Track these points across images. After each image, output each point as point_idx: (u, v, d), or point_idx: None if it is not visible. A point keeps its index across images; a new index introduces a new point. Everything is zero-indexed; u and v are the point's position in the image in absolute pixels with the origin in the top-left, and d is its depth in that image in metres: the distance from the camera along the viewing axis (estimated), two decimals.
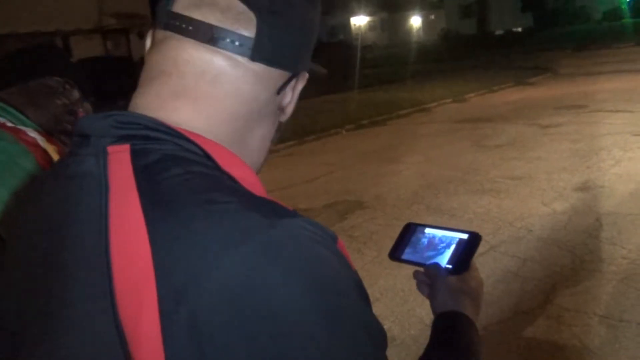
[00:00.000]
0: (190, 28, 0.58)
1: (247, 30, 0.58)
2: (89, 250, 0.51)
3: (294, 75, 0.63)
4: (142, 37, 20.47)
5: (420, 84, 14.86)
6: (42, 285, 0.54)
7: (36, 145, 1.15)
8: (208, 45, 0.58)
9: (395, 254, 0.93)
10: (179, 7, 0.59)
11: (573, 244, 3.86)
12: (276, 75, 0.61)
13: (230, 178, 0.55)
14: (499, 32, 33.57)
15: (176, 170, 0.52)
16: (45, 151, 1.14)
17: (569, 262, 3.61)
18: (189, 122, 0.57)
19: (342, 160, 7.30)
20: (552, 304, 3.15)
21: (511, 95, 11.69)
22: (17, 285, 0.58)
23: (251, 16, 0.57)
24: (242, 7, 0.57)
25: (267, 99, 0.62)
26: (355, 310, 0.51)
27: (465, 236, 0.88)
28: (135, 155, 0.53)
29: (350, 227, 4.64)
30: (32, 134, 1.20)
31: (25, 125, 1.24)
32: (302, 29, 0.62)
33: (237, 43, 0.58)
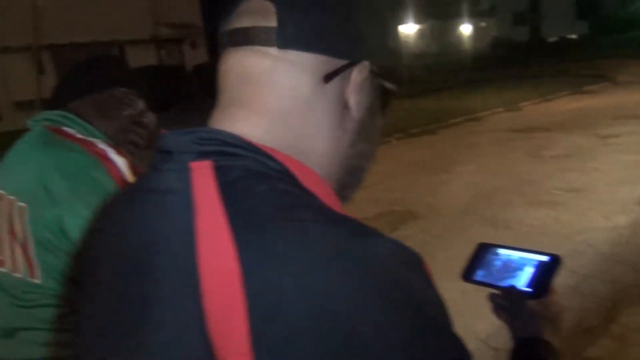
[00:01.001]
0: (230, 38, 0.61)
1: (273, 21, 0.58)
2: (177, 266, 0.51)
3: (349, 65, 0.60)
4: (194, 46, 20.98)
5: (471, 92, 14.63)
6: (130, 302, 0.54)
7: (106, 157, 1.16)
8: (244, 48, 0.60)
9: (469, 275, 0.90)
10: (226, 26, 0.62)
11: (636, 260, 3.70)
12: (315, 61, 0.59)
13: (311, 194, 0.55)
14: (552, 39, 32.77)
15: (260, 187, 0.52)
16: (115, 163, 1.15)
17: (632, 279, 3.46)
18: (246, 130, 0.58)
19: (393, 170, 7.24)
20: (616, 322, 3.02)
21: (567, 104, 11.36)
22: (103, 303, 0.58)
23: (272, 7, 0.59)
24: (266, 2, 0.59)
25: (312, 88, 0.59)
26: (442, 333, 0.50)
27: (545, 258, 0.84)
28: (217, 171, 0.53)
29: (402, 238, 4.55)
30: (102, 145, 1.21)
31: (95, 137, 1.26)
32: (336, 12, 0.60)
33: (263, 36, 0.59)
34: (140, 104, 1.39)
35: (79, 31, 15.82)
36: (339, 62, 0.60)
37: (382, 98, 0.67)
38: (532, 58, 23.18)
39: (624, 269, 3.62)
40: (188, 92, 19.00)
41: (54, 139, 1.21)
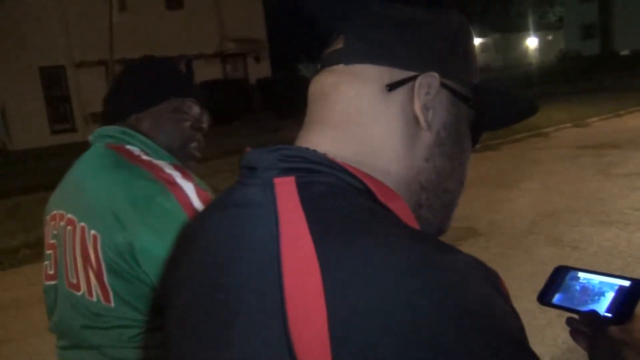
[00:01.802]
0: (319, 65, 0.66)
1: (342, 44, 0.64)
2: (261, 276, 0.53)
3: (414, 77, 0.61)
4: (258, 61, 21.45)
5: None
6: (215, 313, 0.56)
7: (174, 182, 1.14)
8: (322, 71, 0.66)
9: (546, 299, 0.87)
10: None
11: None
12: (378, 72, 0.62)
13: (389, 211, 0.56)
14: (624, 52, 31.52)
15: (341, 203, 0.54)
16: (182, 189, 1.14)
17: None
18: (324, 146, 0.61)
19: (464, 190, 7.12)
20: None
21: (639, 120, 10.87)
22: (189, 316, 0.61)
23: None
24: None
25: (376, 97, 0.62)
26: (521, 350, 0.50)
27: (627, 283, 0.81)
28: (300, 187, 0.55)
29: None
30: (169, 169, 1.18)
31: (158, 155, 1.25)
32: (399, 26, 0.63)
33: (335, 57, 0.64)
34: (196, 109, 1.36)
35: (150, 46, 16.49)
36: (404, 74, 0.62)
37: (469, 117, 0.67)
38: (602, 72, 22.35)
39: None
40: (251, 104, 19.42)
41: (121, 162, 1.19)
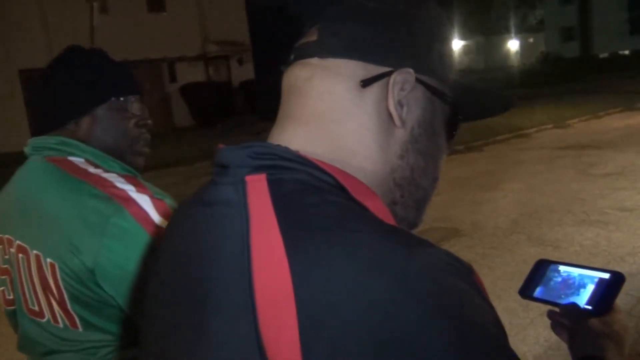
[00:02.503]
0: (289, 58, 0.64)
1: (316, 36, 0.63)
2: (231, 274, 0.52)
3: (388, 73, 0.61)
4: (241, 63, 21.38)
5: (518, 108, 14.36)
6: (187, 311, 0.56)
7: (128, 198, 1.05)
8: (294, 64, 0.64)
9: (527, 292, 0.88)
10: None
11: None
12: (352, 67, 0.61)
13: (362, 207, 0.56)
14: (603, 55, 31.93)
15: (312, 199, 0.53)
16: (138, 204, 1.05)
17: None
18: (296, 143, 0.60)
19: (437, 186, 7.16)
20: None
21: (619, 121, 11.03)
22: (163, 315, 0.61)
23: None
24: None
25: (350, 93, 0.61)
26: (496, 345, 0.49)
27: (606, 276, 0.82)
28: (271, 184, 0.55)
29: None
30: (121, 184, 1.08)
31: (106, 163, 1.16)
32: (374, 22, 0.61)
33: (308, 49, 0.63)
34: (136, 104, 1.24)
35: (132, 49, 16.36)
36: (379, 69, 0.61)
37: (444, 114, 0.66)
38: (582, 74, 22.63)
39: None
40: (234, 107, 19.34)
41: (67, 179, 1.09)
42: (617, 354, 0.75)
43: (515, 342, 3.07)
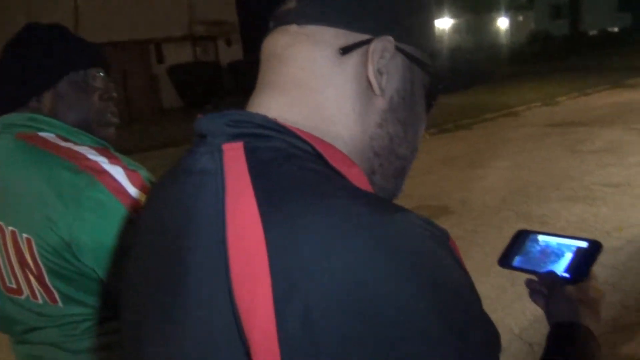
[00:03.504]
0: (269, 26, 0.63)
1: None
2: (207, 244, 0.52)
3: (368, 41, 0.60)
4: (229, 44, 21.18)
5: (507, 87, 14.39)
6: (164, 280, 0.56)
7: (101, 170, 1.04)
8: (273, 31, 0.63)
9: (506, 261, 0.89)
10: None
11: None
12: (331, 34, 0.60)
13: (339, 174, 0.56)
14: (592, 32, 31.91)
15: (288, 167, 0.53)
16: (111, 175, 1.04)
17: None
18: (275, 110, 0.59)
19: (427, 165, 7.19)
20: None
21: (607, 98, 11.08)
22: (143, 274, 0.61)
23: None
24: None
25: (329, 61, 0.60)
26: (469, 306, 0.50)
27: (584, 244, 0.83)
28: (248, 152, 0.55)
29: None
30: (93, 156, 1.07)
31: (76, 137, 1.14)
32: None
33: (287, 16, 0.62)
34: (99, 78, 1.22)
35: (117, 30, 16.14)
36: (359, 37, 0.60)
37: (424, 83, 0.66)
38: (571, 52, 22.66)
39: None
40: (223, 88, 19.20)
41: (39, 154, 1.08)
42: (591, 320, 0.76)
43: (503, 316, 3.11)
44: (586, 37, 29.32)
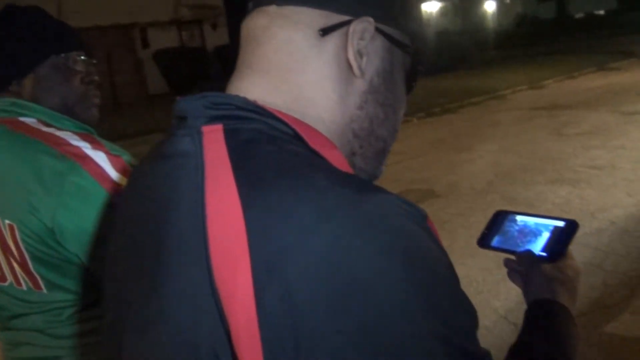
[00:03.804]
0: (248, 7, 0.62)
1: None
2: (187, 225, 0.52)
3: (348, 22, 0.60)
4: (215, 28, 20.96)
5: (494, 70, 14.43)
6: (145, 262, 0.57)
7: (84, 156, 1.04)
8: (253, 12, 0.63)
9: (485, 241, 0.91)
10: None
11: None
12: (311, 15, 0.60)
13: (319, 156, 0.56)
14: (579, 15, 31.95)
15: (268, 148, 0.53)
16: (94, 161, 1.04)
17: None
18: (254, 92, 0.59)
19: (413, 149, 7.21)
20: (638, 298, 3.00)
21: (592, 81, 11.14)
22: (124, 259, 0.61)
23: None
24: None
25: (308, 42, 0.60)
26: (447, 285, 0.50)
27: (561, 223, 0.85)
28: (228, 134, 0.55)
29: None
30: (75, 141, 1.06)
31: (58, 121, 1.13)
32: None
33: None
34: (80, 63, 1.20)
35: (101, 15, 15.92)
36: (338, 18, 0.60)
37: (404, 65, 0.66)
38: (557, 35, 22.70)
39: None
40: (209, 73, 19.04)
41: (20, 139, 1.07)
42: (568, 297, 0.78)
43: (489, 298, 3.15)
44: (572, 20, 29.36)
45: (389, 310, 0.45)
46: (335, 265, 0.45)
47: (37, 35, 1.16)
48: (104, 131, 1.22)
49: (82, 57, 1.21)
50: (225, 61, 19.02)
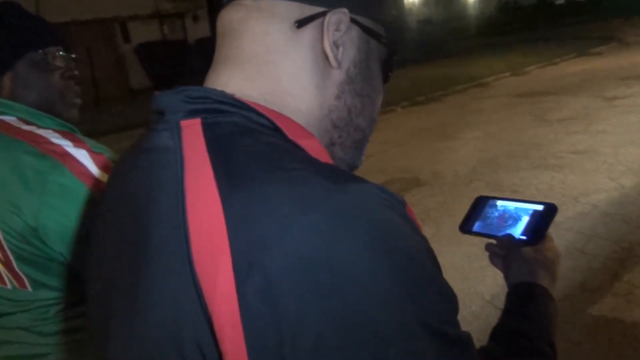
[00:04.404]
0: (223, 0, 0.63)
1: None
2: (167, 219, 0.53)
3: (323, 14, 0.60)
4: (196, 20, 20.79)
5: (477, 58, 14.49)
6: (127, 253, 0.57)
7: (66, 154, 1.03)
8: (228, 5, 0.63)
9: (466, 227, 0.92)
10: None
11: None
12: (286, 7, 0.60)
13: (298, 147, 0.56)
14: (560, 1, 32.16)
15: (246, 141, 0.53)
16: (76, 159, 1.03)
17: (638, 239, 3.47)
18: (232, 86, 0.60)
19: (398, 138, 7.23)
20: (621, 281, 3.05)
21: (574, 67, 11.23)
22: (106, 255, 0.61)
23: None
24: None
25: (285, 34, 0.60)
26: (427, 273, 0.50)
27: (540, 207, 0.86)
28: (206, 128, 0.55)
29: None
30: (56, 139, 1.05)
31: (39, 119, 1.12)
32: None
33: None
34: (59, 58, 1.19)
35: (81, 9, 15.71)
36: (313, 9, 0.60)
37: (380, 54, 0.66)
38: (539, 21, 22.83)
39: (629, 228, 3.63)
40: (191, 66, 18.89)
41: (2, 138, 1.06)
42: (548, 280, 0.80)
43: (474, 284, 3.18)
44: (554, 6, 29.51)
45: (370, 299, 0.46)
46: (315, 257, 0.46)
47: (14, 32, 1.15)
48: (85, 128, 1.21)
49: (61, 53, 1.20)
50: (207, 53, 18.87)
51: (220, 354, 0.48)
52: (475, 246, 3.46)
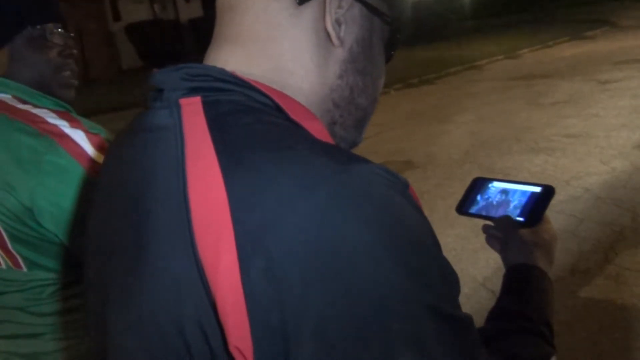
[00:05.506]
0: None
1: None
2: (168, 198, 0.52)
3: None
4: (188, 0, 20.55)
5: (470, 41, 14.43)
6: (126, 232, 0.56)
7: (62, 134, 1.01)
8: None
9: (463, 208, 0.92)
10: None
11: (633, 203, 3.73)
12: None
13: (299, 127, 0.55)
14: None
15: (247, 120, 0.52)
16: (72, 139, 1.01)
17: (629, 222, 3.50)
18: (232, 63, 0.58)
19: (391, 121, 7.22)
20: (612, 263, 3.08)
21: (567, 50, 11.22)
22: (104, 235, 0.60)
23: None
24: None
25: (286, 11, 0.59)
26: (430, 254, 0.50)
27: (537, 189, 0.86)
28: (207, 106, 0.54)
29: None
30: (52, 119, 1.04)
31: (35, 98, 1.10)
32: None
33: None
34: (57, 35, 1.16)
35: None
36: None
37: (383, 33, 0.65)
38: (533, 4, 22.73)
39: (621, 211, 3.66)
40: (183, 46, 18.72)
41: None
42: (545, 261, 0.80)
43: (467, 266, 3.20)
44: None
45: (373, 280, 0.45)
46: (318, 238, 0.45)
47: (10, 7, 1.12)
48: (76, 107, 1.19)
49: (60, 30, 1.17)
50: (200, 33, 18.70)
51: (222, 335, 0.47)
52: (468, 229, 3.48)
